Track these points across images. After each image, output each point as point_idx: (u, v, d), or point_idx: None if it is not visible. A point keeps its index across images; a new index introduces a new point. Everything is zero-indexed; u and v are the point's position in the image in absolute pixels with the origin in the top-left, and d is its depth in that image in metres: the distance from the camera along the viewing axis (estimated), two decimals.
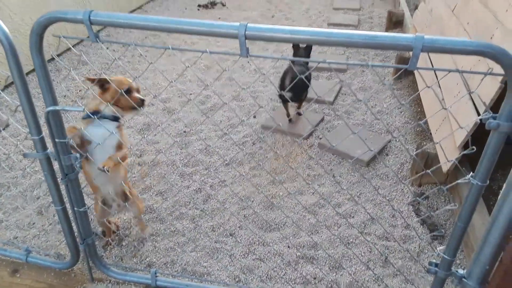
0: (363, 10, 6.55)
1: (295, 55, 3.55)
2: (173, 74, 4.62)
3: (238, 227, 2.56)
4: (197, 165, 3.13)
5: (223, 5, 7.04)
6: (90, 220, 2.03)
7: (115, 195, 2.22)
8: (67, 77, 4.50)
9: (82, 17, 1.39)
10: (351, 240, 2.44)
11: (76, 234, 1.98)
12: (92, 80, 2.00)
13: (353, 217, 2.61)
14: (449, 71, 1.20)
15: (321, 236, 2.47)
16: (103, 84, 2.06)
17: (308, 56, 3.58)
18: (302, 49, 3.54)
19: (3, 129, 3.56)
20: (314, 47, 5.01)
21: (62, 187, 1.81)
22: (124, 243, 2.44)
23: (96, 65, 4.80)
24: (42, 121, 1.56)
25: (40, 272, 2.19)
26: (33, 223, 2.60)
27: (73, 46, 5.17)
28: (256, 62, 4.83)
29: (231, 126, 3.64)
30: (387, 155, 3.19)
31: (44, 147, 1.72)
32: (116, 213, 2.34)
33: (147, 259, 2.32)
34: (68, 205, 1.87)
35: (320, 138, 3.40)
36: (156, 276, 2.04)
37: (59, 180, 1.81)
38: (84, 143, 1.98)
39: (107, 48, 5.27)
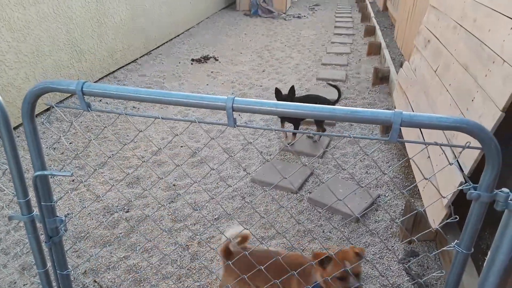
0: (350, 66, 6.82)
1: (278, 99, 3.84)
2: (165, 127, 4.68)
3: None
4: (184, 221, 3.09)
5: (216, 59, 7.30)
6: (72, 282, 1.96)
7: None
8: (57, 141, 4.53)
9: (75, 88, 1.45)
10: None
11: None
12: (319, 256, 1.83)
13: None
14: (429, 144, 1.25)
15: None
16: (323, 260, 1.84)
17: (293, 96, 3.90)
18: (285, 95, 3.90)
19: None
20: None
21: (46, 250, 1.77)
22: None
23: (88, 117, 4.86)
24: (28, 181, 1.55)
25: None
26: (15, 283, 2.50)
27: (62, 101, 5.26)
28: (246, 115, 4.94)
29: (221, 179, 3.64)
30: (376, 210, 3.19)
31: (30, 210, 1.70)
32: None
33: None
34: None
35: (310, 192, 3.41)
36: None
37: (43, 243, 1.78)
38: None
39: (100, 101, 5.35)
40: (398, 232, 2.93)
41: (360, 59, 7.19)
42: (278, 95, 3.91)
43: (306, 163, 3.88)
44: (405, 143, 3.56)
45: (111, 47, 6.26)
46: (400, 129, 1.20)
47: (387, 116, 1.18)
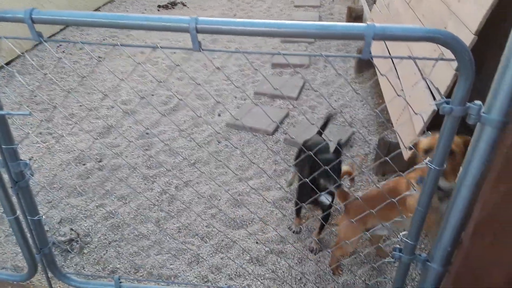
0: (323, 7, 6.63)
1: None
2: (133, 76, 4.49)
3: (205, 226, 2.51)
4: (161, 167, 3.05)
5: (184, 5, 6.93)
6: (45, 229, 1.92)
7: None
8: (20, 94, 4.27)
9: (23, 16, 1.31)
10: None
11: (32, 245, 1.87)
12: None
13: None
14: (402, 58, 1.21)
15: (288, 230, 2.46)
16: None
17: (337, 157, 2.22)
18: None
19: None
20: (275, 40, 5.04)
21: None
22: (85, 251, 2.33)
23: (51, 69, 4.60)
24: None
25: None
26: None
27: (26, 52, 4.93)
28: (219, 61, 4.78)
29: (195, 125, 3.57)
30: (351, 147, 3.23)
31: None
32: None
33: (111, 266, 2.23)
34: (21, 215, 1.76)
35: (285, 134, 3.40)
36: (120, 282, 1.95)
37: (9, 189, 1.70)
38: None
39: (64, 52, 5.05)
40: (372, 165, 2.98)
41: (333, 0, 6.98)
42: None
43: (281, 106, 3.84)
44: (380, 63, 3.55)
45: None
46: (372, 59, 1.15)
47: (360, 30, 1.12)
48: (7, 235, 2.44)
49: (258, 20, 1.21)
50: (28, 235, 1.85)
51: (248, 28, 1.23)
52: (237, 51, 1.31)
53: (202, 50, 1.31)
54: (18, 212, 1.80)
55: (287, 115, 3.66)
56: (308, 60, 4.61)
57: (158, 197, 2.75)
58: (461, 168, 1.35)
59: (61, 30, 5.69)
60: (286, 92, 3.99)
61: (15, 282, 2.06)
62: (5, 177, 1.65)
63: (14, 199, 1.72)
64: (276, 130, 3.46)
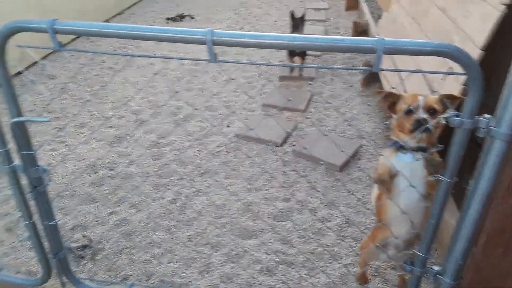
0: (329, 22, 6.73)
1: (293, 24, 4.50)
2: (144, 86, 4.57)
3: (216, 235, 2.54)
4: (171, 176, 3.10)
5: (192, 17, 7.06)
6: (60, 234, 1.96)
7: (404, 240, 1.79)
8: (33, 103, 4.36)
9: (46, 26, 1.38)
10: (329, 243, 2.47)
11: (47, 249, 1.91)
12: (380, 93, 1.70)
13: (329, 221, 2.64)
14: (411, 71, 1.26)
15: (298, 241, 2.49)
16: (393, 102, 1.68)
17: (302, 23, 4.50)
18: (297, 19, 4.44)
19: None
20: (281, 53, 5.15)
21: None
22: (97, 257, 2.36)
23: (63, 78, 4.69)
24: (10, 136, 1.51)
25: None
26: (2, 241, 2.49)
27: (38, 61, 5.04)
28: (227, 73, 4.86)
29: (205, 136, 3.63)
30: (359, 159, 3.27)
31: (10, 161, 1.66)
32: (388, 258, 1.91)
33: (123, 273, 2.26)
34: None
35: (294, 145, 3.45)
36: None
37: (27, 195, 1.76)
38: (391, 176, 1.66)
39: (78, 58, 5.16)
40: None
41: (339, 14, 7.09)
42: (293, 18, 4.48)
43: (289, 118, 3.90)
44: (388, 77, 3.60)
45: (81, 7, 5.96)
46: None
47: (371, 43, 1.18)
48: (21, 239, 2.48)
49: (271, 34, 1.28)
50: (43, 240, 1.89)
51: (261, 41, 1.31)
52: (251, 62, 1.38)
53: (218, 61, 1.38)
54: (35, 217, 1.85)
55: (295, 127, 3.71)
56: (315, 73, 4.68)
57: (169, 205, 2.79)
58: (472, 182, 1.37)
59: (72, 40, 5.80)
60: (293, 105, 4.05)
61: (29, 286, 2.10)
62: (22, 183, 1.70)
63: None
64: (284, 141, 3.51)
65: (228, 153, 3.38)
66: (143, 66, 5.00)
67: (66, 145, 3.47)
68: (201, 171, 3.15)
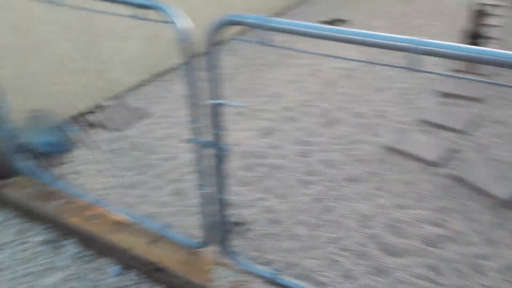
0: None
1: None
2: (298, 85, 4.71)
3: (357, 243, 2.50)
4: (317, 175, 3.14)
5: (343, 21, 7.02)
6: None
7: None
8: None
9: (261, 22, 1.55)
10: (488, 283, 2.21)
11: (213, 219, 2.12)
12: None
13: (489, 260, 2.36)
14: None
15: (450, 272, 2.28)
16: None
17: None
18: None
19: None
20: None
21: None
22: (249, 236, 2.54)
23: (227, 69, 5.14)
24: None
25: (173, 248, 2.38)
26: (170, 203, 2.85)
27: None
28: (381, 81, 4.71)
29: (352, 142, 3.58)
30: None
31: (202, 136, 1.90)
32: None
33: (267, 256, 2.39)
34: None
35: (451, 168, 3.16)
36: (278, 274, 2.08)
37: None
38: None
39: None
40: None
41: None
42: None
43: (448, 138, 3.59)
44: None
45: (247, 5, 6.44)
46: None
47: None
48: (188, 205, 2.80)
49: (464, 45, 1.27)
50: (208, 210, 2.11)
51: (464, 53, 1.28)
52: (449, 74, 1.31)
53: (417, 70, 1.41)
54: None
55: (454, 149, 3.40)
56: (482, 93, 4.21)
57: (313, 203, 2.84)
58: None
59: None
60: (455, 125, 3.71)
61: (189, 247, 2.34)
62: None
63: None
64: (440, 162, 3.24)
65: (376, 163, 3.28)
66: (294, 65, 5.16)
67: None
68: (347, 177, 3.12)
